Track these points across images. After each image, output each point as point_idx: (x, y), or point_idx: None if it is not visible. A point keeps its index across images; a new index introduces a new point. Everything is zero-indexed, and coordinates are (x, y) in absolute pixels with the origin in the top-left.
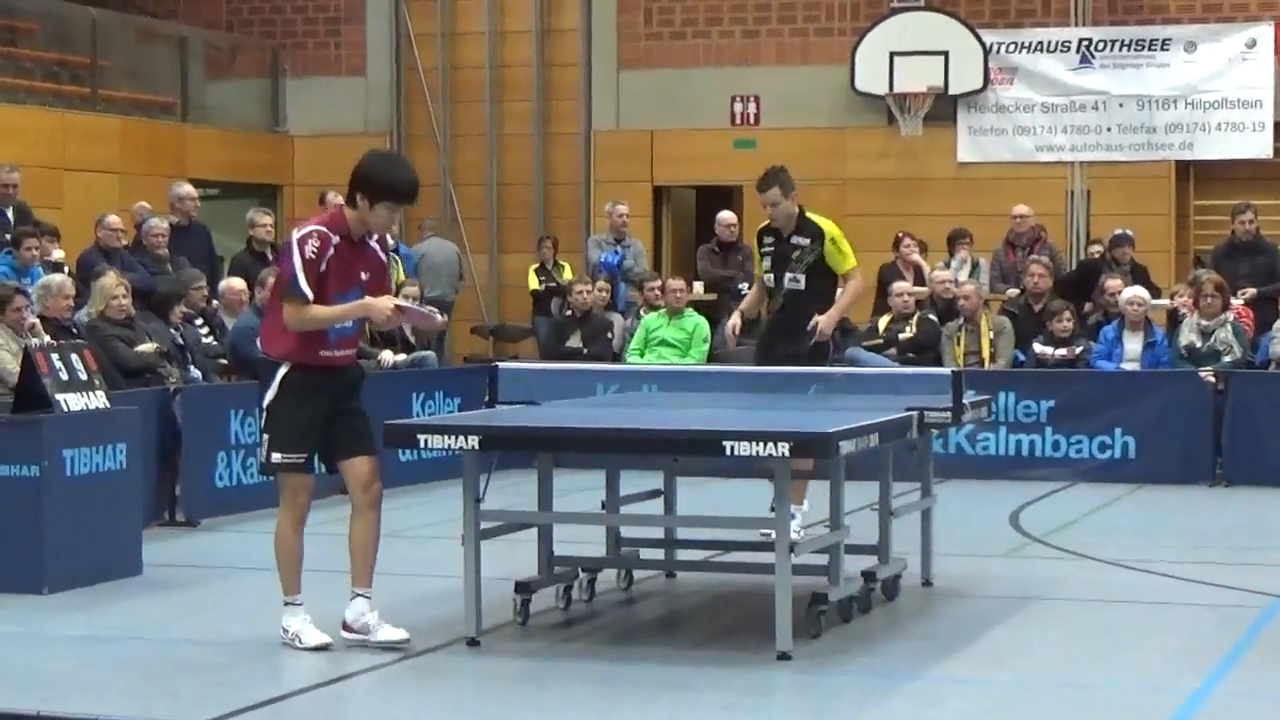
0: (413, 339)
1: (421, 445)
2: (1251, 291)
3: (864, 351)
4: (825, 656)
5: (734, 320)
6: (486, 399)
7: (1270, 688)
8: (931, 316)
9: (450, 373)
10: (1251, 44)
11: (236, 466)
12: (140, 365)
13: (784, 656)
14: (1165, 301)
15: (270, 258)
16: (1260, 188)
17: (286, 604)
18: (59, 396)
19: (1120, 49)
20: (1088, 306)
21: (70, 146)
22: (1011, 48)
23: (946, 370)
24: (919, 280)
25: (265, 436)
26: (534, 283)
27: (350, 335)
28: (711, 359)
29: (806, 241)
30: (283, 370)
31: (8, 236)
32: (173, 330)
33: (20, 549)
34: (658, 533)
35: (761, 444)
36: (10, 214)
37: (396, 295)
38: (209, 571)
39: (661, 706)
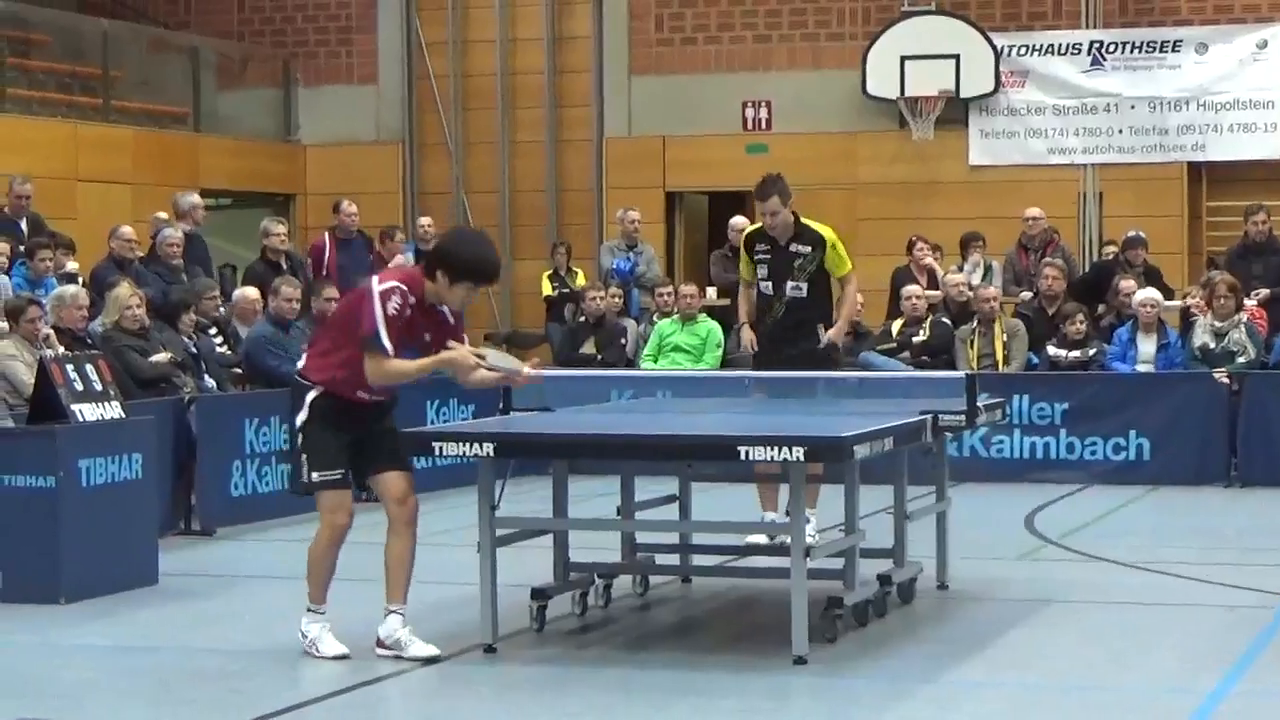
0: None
1: (437, 453)
2: (1265, 292)
3: (877, 355)
4: (841, 661)
5: (749, 335)
6: (501, 406)
7: None
8: (945, 320)
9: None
10: (1263, 45)
11: (252, 475)
12: (155, 375)
13: (800, 661)
14: (1177, 303)
15: (284, 266)
16: (1273, 188)
17: (309, 609)
18: (74, 407)
19: (1131, 51)
20: (1101, 308)
21: (83, 157)
22: (1023, 50)
23: (961, 373)
24: (932, 284)
25: (303, 457)
26: (547, 289)
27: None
28: (725, 364)
29: (808, 249)
30: (313, 394)
31: (22, 248)
32: (186, 340)
33: (37, 559)
34: (673, 538)
35: (776, 449)
36: (24, 225)
37: None
38: (225, 581)
39: (678, 711)
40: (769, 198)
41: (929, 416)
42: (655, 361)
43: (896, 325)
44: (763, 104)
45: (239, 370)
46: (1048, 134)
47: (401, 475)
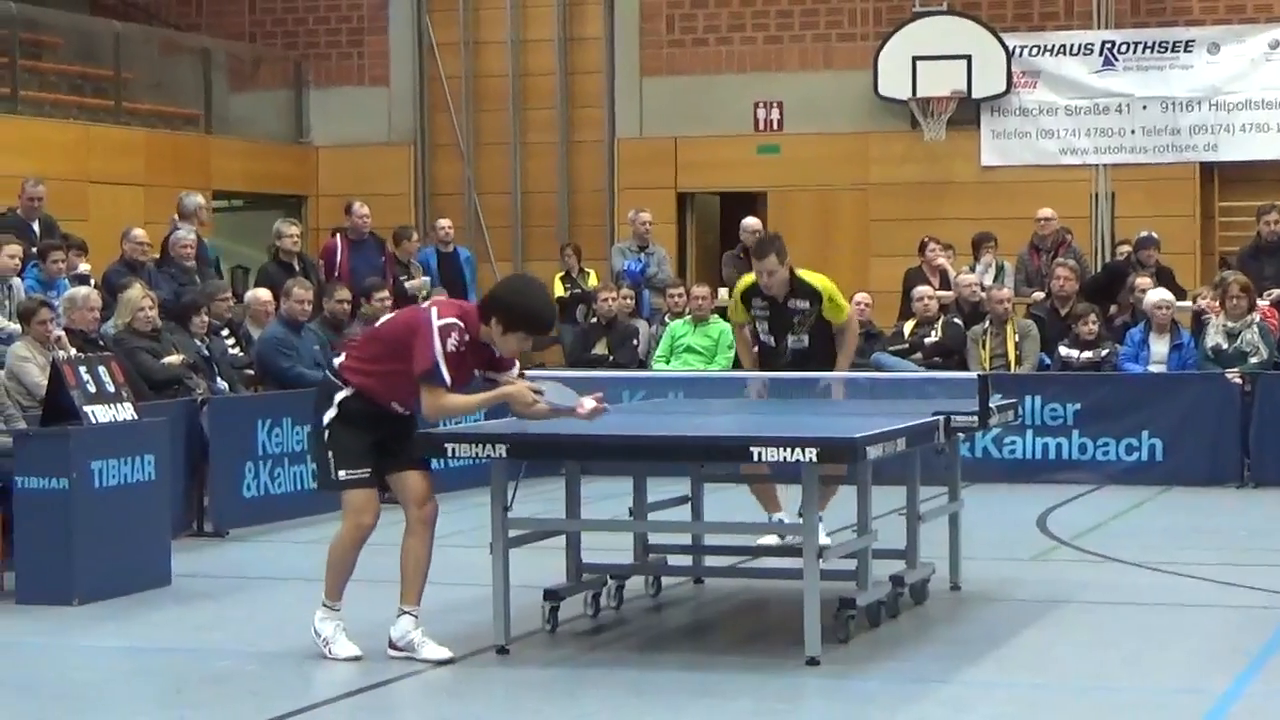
0: None
1: (450, 454)
2: (1277, 292)
3: (889, 356)
4: (854, 661)
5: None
6: None
7: None
8: (957, 320)
9: (476, 382)
10: (1275, 45)
11: (264, 477)
12: (167, 377)
13: (813, 662)
14: (1188, 304)
15: (297, 268)
16: None
17: (324, 605)
18: (87, 409)
19: (1143, 51)
20: (1113, 309)
21: (95, 159)
22: (1034, 51)
23: (973, 374)
24: (944, 284)
25: (329, 454)
26: (560, 290)
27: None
28: (737, 366)
29: (806, 304)
30: (344, 394)
31: (34, 249)
32: (199, 342)
33: (50, 561)
34: (685, 539)
35: (789, 450)
36: (36, 227)
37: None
38: (238, 582)
39: (691, 712)
40: (766, 257)
41: (941, 417)
42: (667, 363)
43: (908, 326)
44: (774, 104)
45: (251, 372)
46: (1059, 134)
47: (423, 476)
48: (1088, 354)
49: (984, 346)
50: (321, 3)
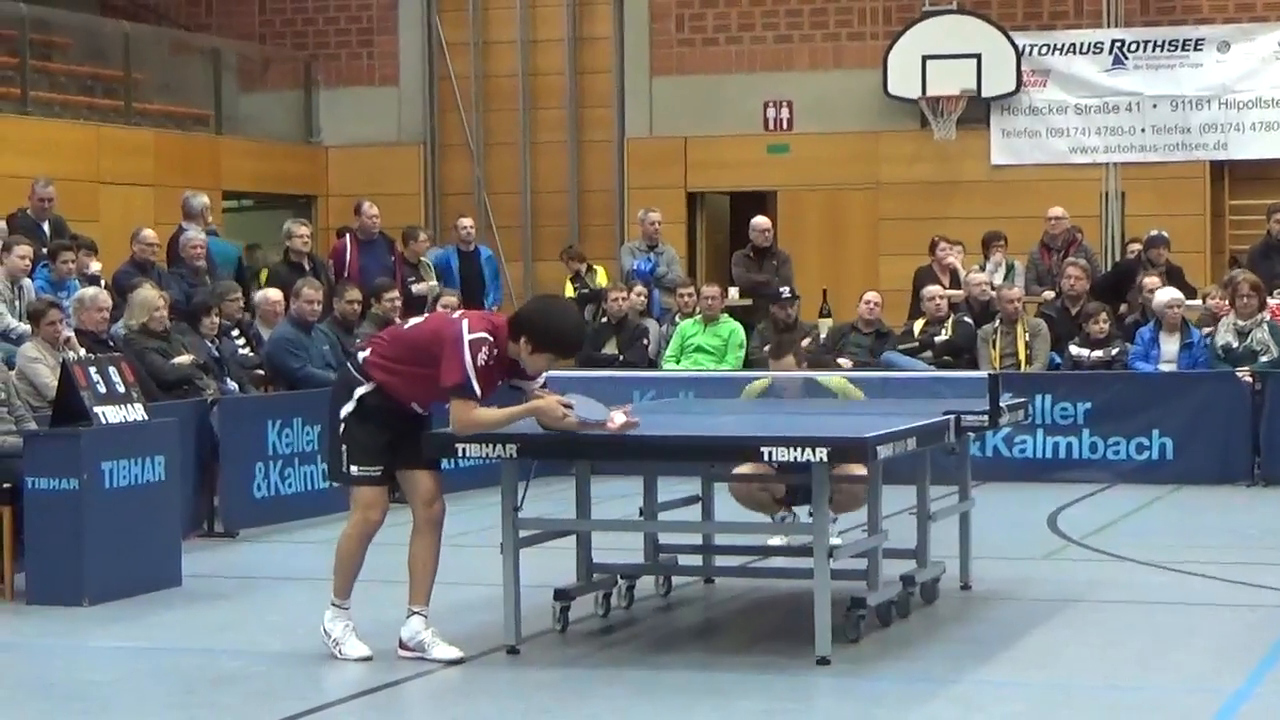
0: None
1: (460, 454)
2: None
3: (900, 355)
4: (864, 661)
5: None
6: None
7: None
8: (967, 319)
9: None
10: None
11: (275, 477)
12: (177, 377)
13: (823, 661)
14: (1198, 302)
15: (307, 268)
16: None
17: (333, 604)
18: (97, 409)
19: (1153, 50)
20: (1124, 308)
21: (105, 160)
22: (1044, 50)
23: (983, 373)
24: (954, 283)
25: (344, 447)
26: (569, 291)
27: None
28: (747, 365)
29: None
30: (364, 389)
31: (44, 250)
32: (209, 343)
33: (61, 561)
34: (696, 539)
35: (799, 449)
36: (46, 228)
37: (434, 306)
38: (248, 582)
39: (702, 712)
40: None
41: (952, 416)
42: (677, 362)
43: (919, 325)
44: (784, 104)
45: (261, 372)
46: (1069, 133)
47: (431, 476)
48: (1098, 353)
49: (994, 346)
50: (331, 3)
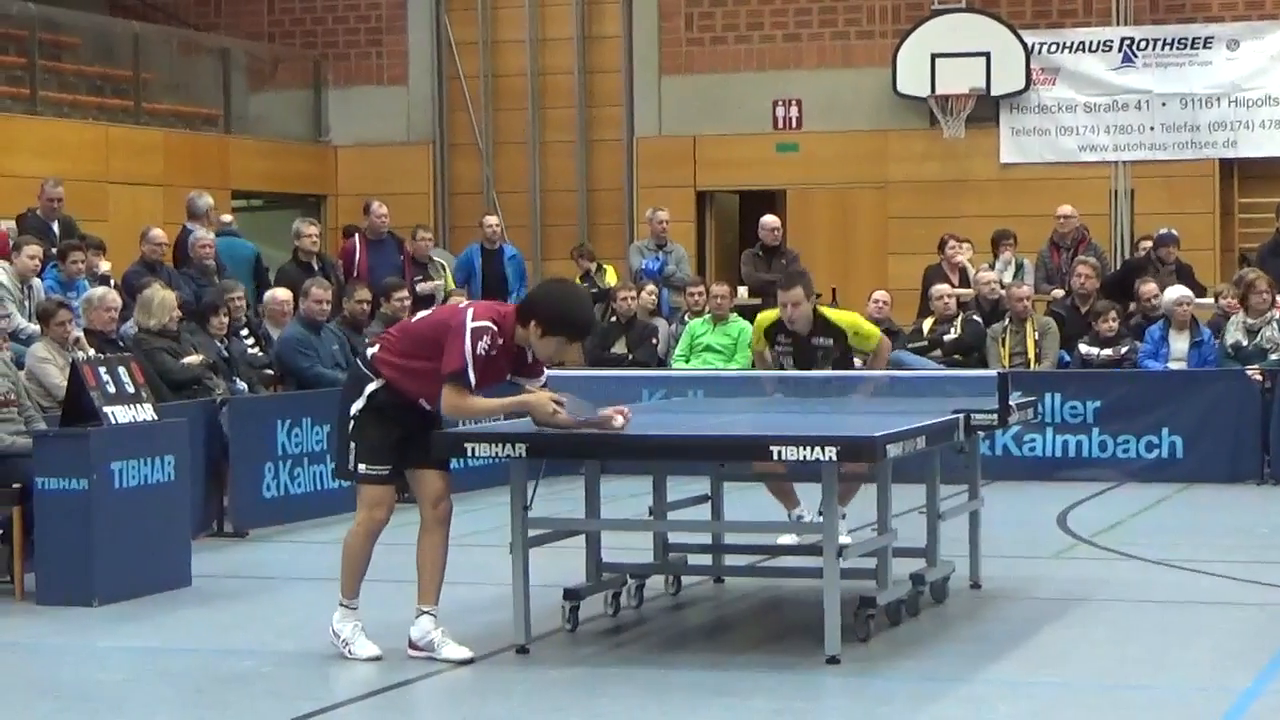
0: None
1: (469, 454)
2: None
3: (909, 354)
4: (874, 660)
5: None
6: None
7: None
8: (976, 318)
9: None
10: None
11: (284, 477)
12: (186, 377)
13: (833, 660)
14: (1210, 301)
15: (316, 268)
16: None
17: (342, 604)
18: (107, 409)
19: (1162, 48)
20: (1131, 306)
21: (114, 159)
22: (1053, 48)
23: (992, 372)
24: (964, 282)
25: (351, 445)
26: None
27: None
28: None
29: (830, 343)
30: (374, 385)
31: (54, 250)
32: (218, 343)
33: (70, 562)
34: (705, 538)
35: (809, 449)
36: (56, 228)
37: (445, 303)
38: (258, 582)
39: (711, 711)
40: (793, 288)
41: (961, 415)
42: (687, 361)
43: (928, 324)
44: (793, 102)
45: (270, 372)
46: (1079, 131)
47: (439, 475)
48: (1108, 351)
49: (1004, 344)
50: (340, 2)
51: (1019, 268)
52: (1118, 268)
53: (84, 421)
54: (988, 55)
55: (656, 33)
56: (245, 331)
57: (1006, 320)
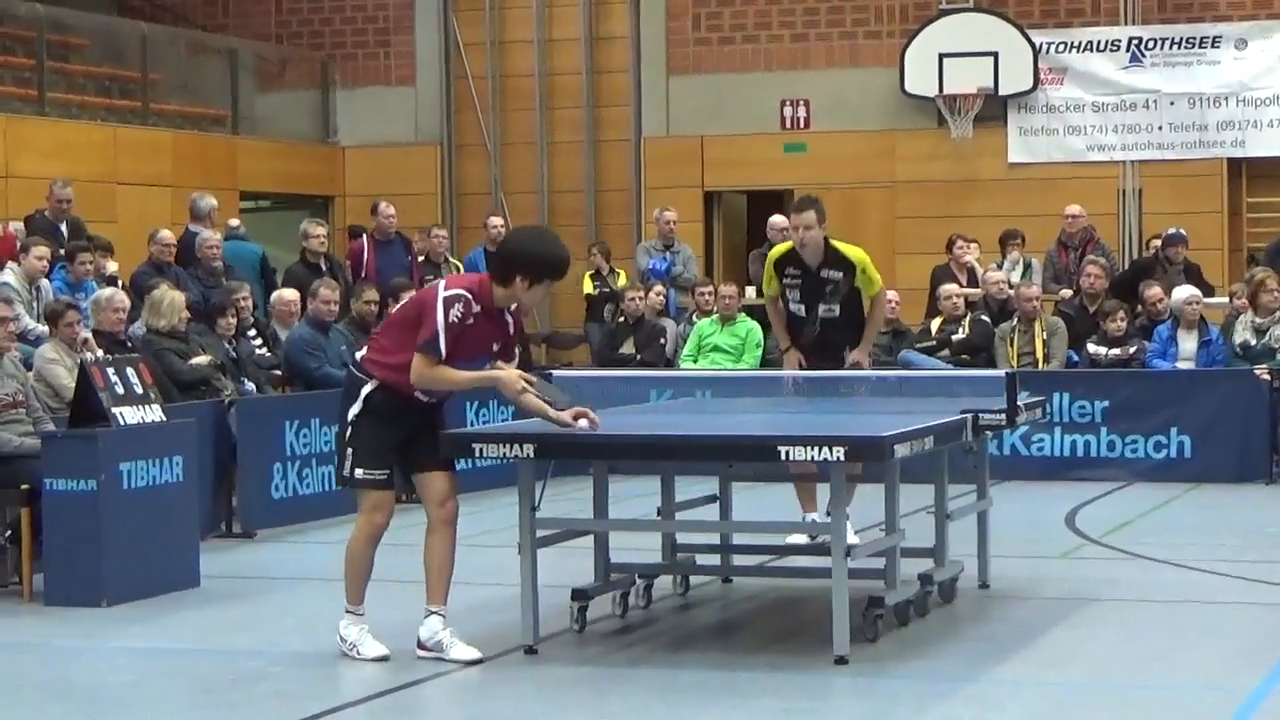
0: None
1: (477, 454)
2: None
3: (917, 354)
4: (882, 660)
5: (794, 360)
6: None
7: None
8: (984, 318)
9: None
10: None
11: (293, 478)
12: (194, 378)
13: (841, 660)
14: (1224, 300)
15: (324, 269)
16: None
17: (348, 611)
18: (115, 410)
19: (1170, 47)
20: (1139, 306)
21: (122, 160)
22: (1061, 47)
23: (1001, 372)
24: (972, 282)
25: (348, 450)
26: (589, 287)
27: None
28: (765, 364)
29: (839, 275)
30: (369, 387)
31: (62, 251)
32: (226, 344)
33: (79, 562)
34: (714, 538)
35: (816, 449)
36: (64, 229)
37: None
38: (267, 583)
39: (719, 711)
40: (805, 211)
41: (969, 415)
42: (695, 362)
43: (936, 323)
44: (801, 103)
45: (278, 372)
46: (1087, 131)
47: (444, 476)
48: (1116, 351)
49: (1012, 344)
50: (348, 3)
51: (1027, 267)
52: (1126, 267)
53: (92, 422)
54: (995, 55)
55: (664, 33)
56: (253, 332)
57: (1015, 320)
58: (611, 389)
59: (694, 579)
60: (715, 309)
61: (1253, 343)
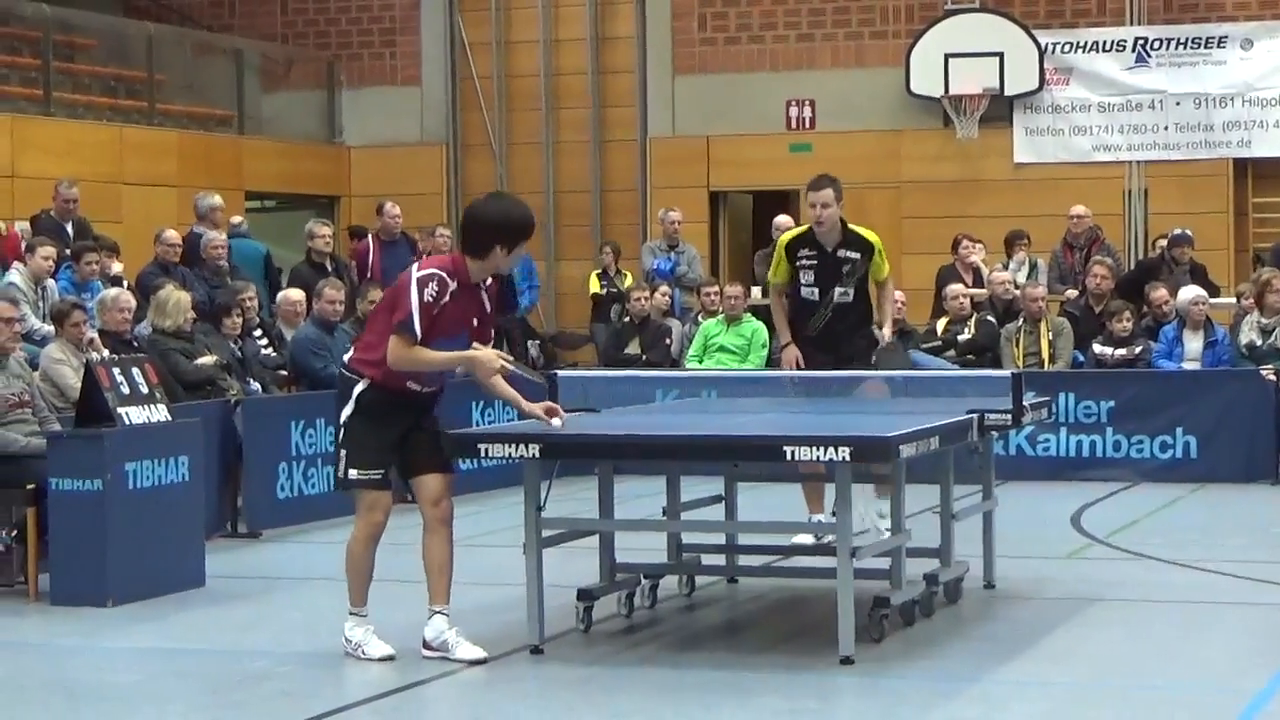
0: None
1: (482, 454)
2: None
3: (923, 354)
4: (888, 660)
5: (793, 356)
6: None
7: None
8: (990, 318)
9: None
10: None
11: (298, 477)
12: (200, 378)
13: (846, 661)
14: (1230, 300)
15: (329, 269)
16: None
17: (351, 613)
18: (121, 410)
19: (1176, 47)
20: (1145, 307)
21: (128, 161)
22: (1067, 48)
23: (1006, 372)
24: (977, 282)
25: (342, 452)
26: (595, 286)
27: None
28: (770, 364)
29: (857, 256)
30: (360, 387)
31: (68, 251)
32: (232, 344)
33: (84, 562)
34: (719, 538)
35: (822, 449)
36: (70, 229)
37: None
38: (272, 583)
39: (725, 711)
40: (824, 189)
41: (975, 415)
42: (700, 362)
43: (941, 324)
44: (806, 103)
45: (284, 373)
46: (1092, 131)
47: (438, 478)
48: (1121, 351)
49: (1017, 344)
50: (353, 3)
51: (1033, 268)
52: (1132, 268)
53: (98, 422)
54: (1001, 55)
55: (669, 33)
56: (259, 332)
57: (1020, 320)
58: (617, 389)
59: (699, 579)
60: (721, 309)
61: (1258, 343)
